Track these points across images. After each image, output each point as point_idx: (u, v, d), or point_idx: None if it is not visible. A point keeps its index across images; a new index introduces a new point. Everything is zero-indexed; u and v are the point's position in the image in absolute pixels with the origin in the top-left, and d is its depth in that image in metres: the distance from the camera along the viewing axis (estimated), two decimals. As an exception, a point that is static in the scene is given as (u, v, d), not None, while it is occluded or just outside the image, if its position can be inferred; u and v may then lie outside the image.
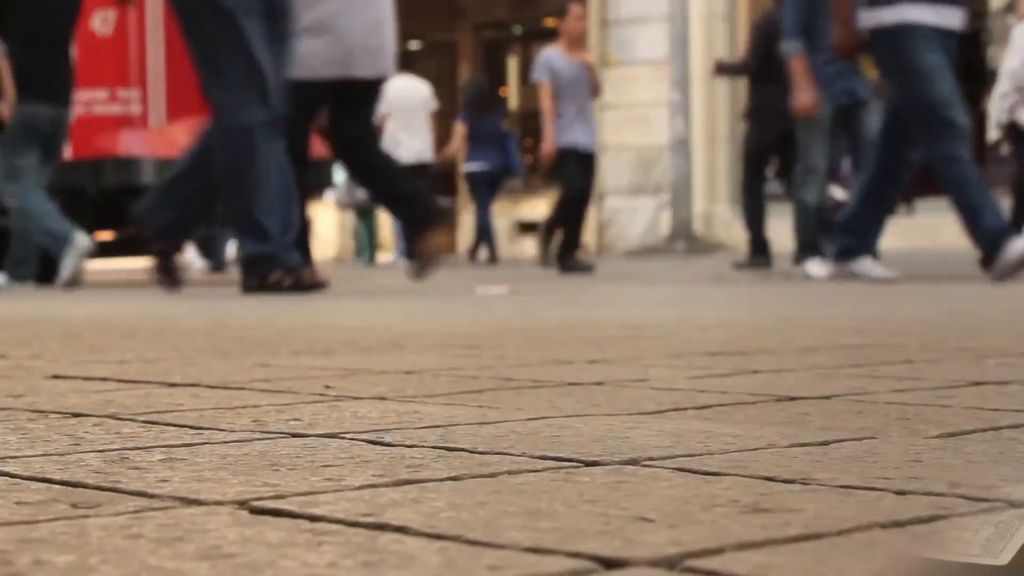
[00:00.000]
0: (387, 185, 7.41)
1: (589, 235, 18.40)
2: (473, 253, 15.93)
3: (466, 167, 15.97)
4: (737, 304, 5.18)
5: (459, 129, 15.76)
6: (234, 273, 8.74)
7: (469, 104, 15.81)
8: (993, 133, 10.88)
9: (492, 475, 1.26)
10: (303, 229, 7.10)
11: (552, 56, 11.07)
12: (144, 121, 9.47)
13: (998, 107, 10.54)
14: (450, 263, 16.53)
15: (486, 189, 15.74)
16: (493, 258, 15.48)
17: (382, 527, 1.02)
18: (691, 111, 16.85)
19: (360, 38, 7.25)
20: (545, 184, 18.42)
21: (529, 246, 17.23)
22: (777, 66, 8.93)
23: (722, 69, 12.84)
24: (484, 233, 15.78)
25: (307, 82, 7.06)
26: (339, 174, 12.56)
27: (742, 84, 17.45)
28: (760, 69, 10.17)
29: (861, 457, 1.35)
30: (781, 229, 13.81)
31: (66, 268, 7.66)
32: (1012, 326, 3.69)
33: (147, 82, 9.46)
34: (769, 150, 10.86)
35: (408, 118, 15.18)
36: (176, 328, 3.80)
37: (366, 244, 17.25)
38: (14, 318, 4.58)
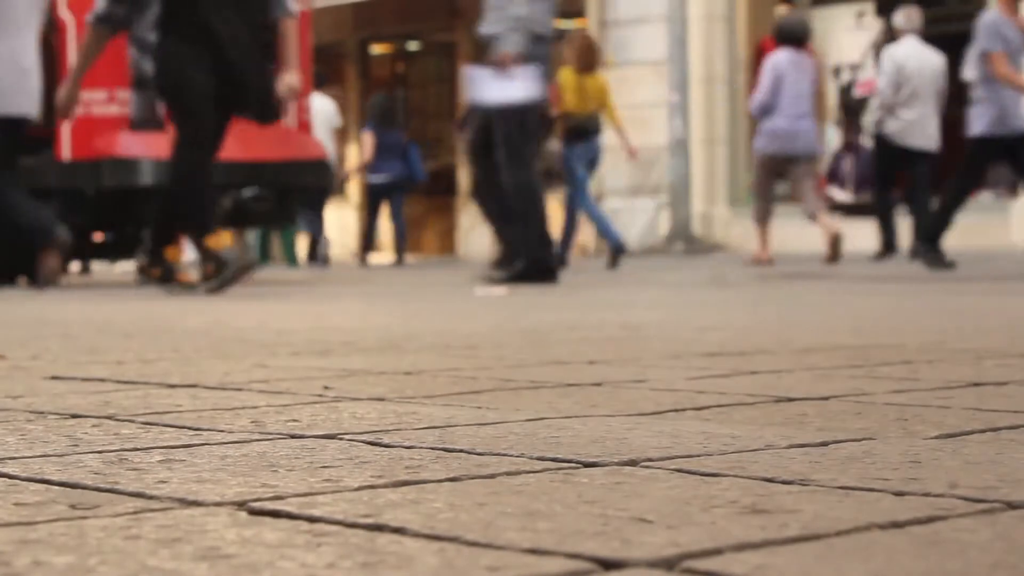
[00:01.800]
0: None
1: (587, 236, 18.44)
2: (363, 255, 17.03)
3: (370, 179, 17.05)
4: (735, 305, 5.18)
5: (367, 139, 16.95)
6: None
7: (373, 118, 16.93)
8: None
9: (491, 476, 1.26)
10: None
11: (998, 21, 10.01)
12: None
13: (872, 120, 12.06)
14: (451, 264, 16.55)
15: (384, 199, 16.87)
16: (400, 260, 16.61)
17: (380, 528, 1.02)
18: (690, 112, 16.86)
19: (7, 76, 7.86)
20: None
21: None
22: None
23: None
24: (371, 236, 17.15)
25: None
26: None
27: (740, 86, 17.46)
28: None
29: (860, 458, 1.35)
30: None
31: None
32: (1011, 327, 3.69)
33: None
34: None
35: (317, 133, 16.11)
36: (175, 329, 3.80)
37: (259, 249, 18.48)
38: (13, 319, 4.58)
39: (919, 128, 11.99)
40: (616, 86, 18.06)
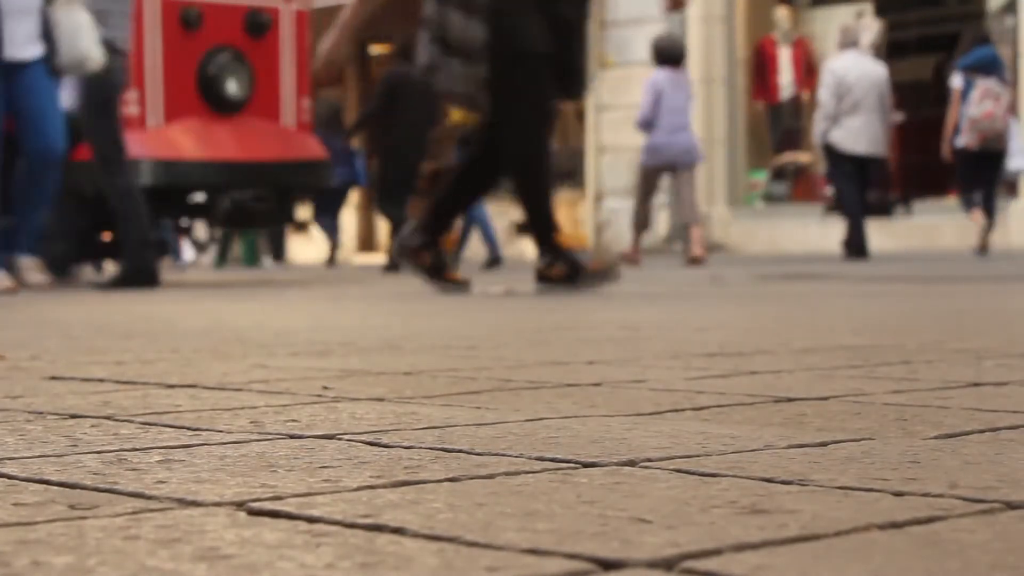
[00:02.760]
0: None
1: (587, 235, 18.42)
2: (332, 258, 17.57)
3: None
4: (735, 305, 5.18)
5: None
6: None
7: (321, 124, 17.49)
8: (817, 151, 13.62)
9: (490, 476, 1.26)
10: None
11: None
12: (142, 122, 9.45)
13: (817, 131, 13.18)
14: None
15: (335, 200, 17.37)
16: (332, 260, 17.30)
17: (380, 528, 1.02)
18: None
19: None
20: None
21: (527, 247, 17.24)
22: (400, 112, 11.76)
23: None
24: (334, 237, 17.88)
25: None
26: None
27: (739, 87, 17.45)
28: (385, 114, 12.69)
29: (859, 458, 1.35)
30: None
31: None
32: (1010, 327, 3.69)
33: (144, 84, 9.44)
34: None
35: None
36: (174, 329, 3.79)
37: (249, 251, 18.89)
38: (12, 319, 4.58)
39: (864, 135, 13.04)
40: (615, 86, 18.08)
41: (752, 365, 2.45)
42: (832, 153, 13.11)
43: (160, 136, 9.30)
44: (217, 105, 9.81)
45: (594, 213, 18.50)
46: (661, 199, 17.47)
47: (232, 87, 9.87)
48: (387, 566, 0.90)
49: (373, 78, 23.63)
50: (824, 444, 1.45)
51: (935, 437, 1.51)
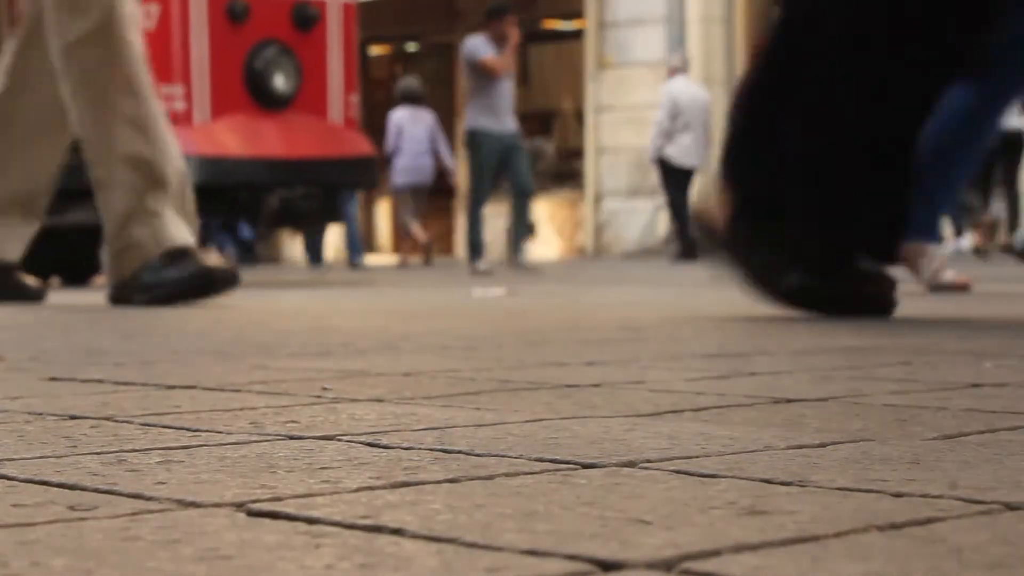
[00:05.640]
0: None
1: (586, 236, 18.43)
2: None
3: None
4: (734, 305, 5.18)
5: None
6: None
7: None
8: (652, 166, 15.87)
9: (489, 477, 1.26)
10: None
11: None
12: (188, 118, 9.23)
13: (652, 146, 15.55)
14: (449, 265, 16.56)
15: None
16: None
17: (379, 529, 1.02)
18: (688, 113, 16.86)
19: None
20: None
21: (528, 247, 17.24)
22: None
23: None
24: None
25: None
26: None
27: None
28: None
29: (858, 459, 1.35)
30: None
31: None
32: (1010, 328, 3.69)
33: (191, 78, 9.21)
34: None
35: None
36: (173, 330, 3.79)
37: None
38: (11, 319, 4.58)
39: (693, 151, 15.19)
40: (615, 87, 18.10)
41: (751, 366, 2.45)
42: (665, 166, 15.20)
43: (207, 132, 9.12)
44: (264, 100, 9.50)
45: (594, 214, 18.50)
46: (660, 200, 17.49)
47: (279, 82, 9.60)
48: (386, 567, 0.90)
49: (372, 78, 23.65)
50: (823, 445, 1.45)
51: (935, 438, 1.52)
